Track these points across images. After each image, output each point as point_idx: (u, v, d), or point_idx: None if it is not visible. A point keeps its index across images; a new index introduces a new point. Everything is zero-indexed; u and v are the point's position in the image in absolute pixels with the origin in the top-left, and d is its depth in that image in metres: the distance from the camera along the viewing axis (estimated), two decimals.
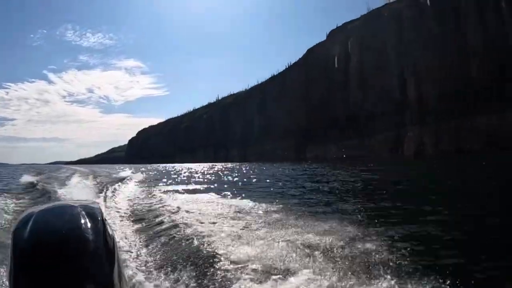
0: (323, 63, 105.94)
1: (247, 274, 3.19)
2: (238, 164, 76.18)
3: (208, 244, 4.04)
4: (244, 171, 32.72)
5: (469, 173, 19.82)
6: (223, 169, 43.62)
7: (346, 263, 3.36)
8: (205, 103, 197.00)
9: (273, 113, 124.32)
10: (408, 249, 3.89)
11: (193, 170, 41.87)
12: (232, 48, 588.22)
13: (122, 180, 18.12)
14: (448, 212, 6.85)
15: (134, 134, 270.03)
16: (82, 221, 1.18)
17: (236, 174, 26.38)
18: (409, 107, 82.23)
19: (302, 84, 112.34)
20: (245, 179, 19.89)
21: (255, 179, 19.72)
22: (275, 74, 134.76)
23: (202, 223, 5.44)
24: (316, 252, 3.66)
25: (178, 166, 75.35)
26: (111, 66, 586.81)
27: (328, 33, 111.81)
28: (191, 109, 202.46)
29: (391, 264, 3.33)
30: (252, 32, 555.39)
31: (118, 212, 7.86)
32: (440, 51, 79.86)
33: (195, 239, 4.38)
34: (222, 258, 3.56)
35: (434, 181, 15.87)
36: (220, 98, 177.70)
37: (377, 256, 3.58)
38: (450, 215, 6.61)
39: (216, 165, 67.35)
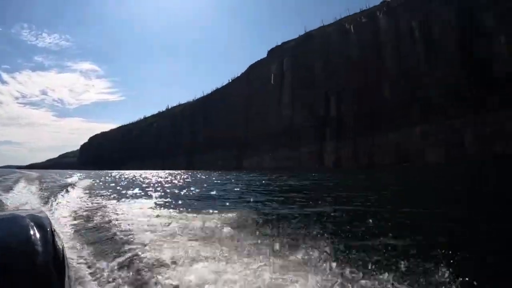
0: (263, 79, 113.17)
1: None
2: (184, 171, 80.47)
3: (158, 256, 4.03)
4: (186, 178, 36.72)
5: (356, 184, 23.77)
6: (170, 175, 47.58)
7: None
8: (156, 111, 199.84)
9: (216, 124, 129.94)
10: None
11: (143, 176, 44.23)
12: (185, 56, 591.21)
13: (69, 186, 17.87)
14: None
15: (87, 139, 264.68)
16: (31, 232, 1.08)
17: (181, 182, 29.43)
18: (330, 123, 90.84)
19: (243, 98, 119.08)
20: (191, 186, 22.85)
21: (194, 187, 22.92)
22: (218, 87, 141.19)
23: (152, 232, 5.55)
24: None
25: (128, 172, 75.98)
26: (67, 68, 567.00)
27: (268, 50, 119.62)
28: (142, 117, 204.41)
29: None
30: (203, 42, 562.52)
31: (65, 220, 7.66)
32: (359, 73, 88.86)
33: (145, 248, 4.38)
34: (171, 271, 3.56)
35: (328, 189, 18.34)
36: (170, 107, 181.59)
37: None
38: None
39: (164, 172, 70.60)
